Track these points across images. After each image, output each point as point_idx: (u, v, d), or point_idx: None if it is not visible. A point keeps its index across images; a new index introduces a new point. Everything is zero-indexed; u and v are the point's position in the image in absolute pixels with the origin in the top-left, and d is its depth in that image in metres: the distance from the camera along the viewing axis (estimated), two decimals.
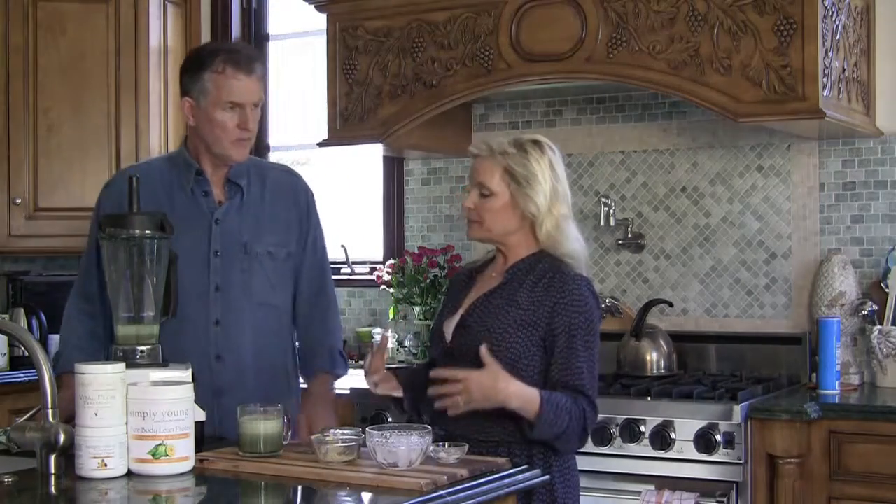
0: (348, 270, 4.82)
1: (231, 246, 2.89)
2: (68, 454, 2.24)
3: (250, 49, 2.98)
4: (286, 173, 3.11)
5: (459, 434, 2.51)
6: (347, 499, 2.13)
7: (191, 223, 2.82)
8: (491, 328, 2.59)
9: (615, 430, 3.38)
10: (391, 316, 4.50)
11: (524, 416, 2.50)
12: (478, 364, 2.54)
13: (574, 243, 2.66)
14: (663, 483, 3.32)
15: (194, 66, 2.87)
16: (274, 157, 5.19)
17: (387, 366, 2.78)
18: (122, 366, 2.26)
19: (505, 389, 2.47)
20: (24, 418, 2.34)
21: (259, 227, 2.93)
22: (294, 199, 3.02)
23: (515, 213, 2.63)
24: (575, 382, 2.55)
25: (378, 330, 4.48)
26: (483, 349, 2.50)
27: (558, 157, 2.68)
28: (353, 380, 4.02)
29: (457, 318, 2.69)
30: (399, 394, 2.75)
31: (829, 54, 3.43)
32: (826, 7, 3.40)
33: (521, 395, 2.48)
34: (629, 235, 4.18)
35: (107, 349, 2.60)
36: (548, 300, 2.58)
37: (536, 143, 2.66)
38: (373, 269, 4.67)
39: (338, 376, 3.09)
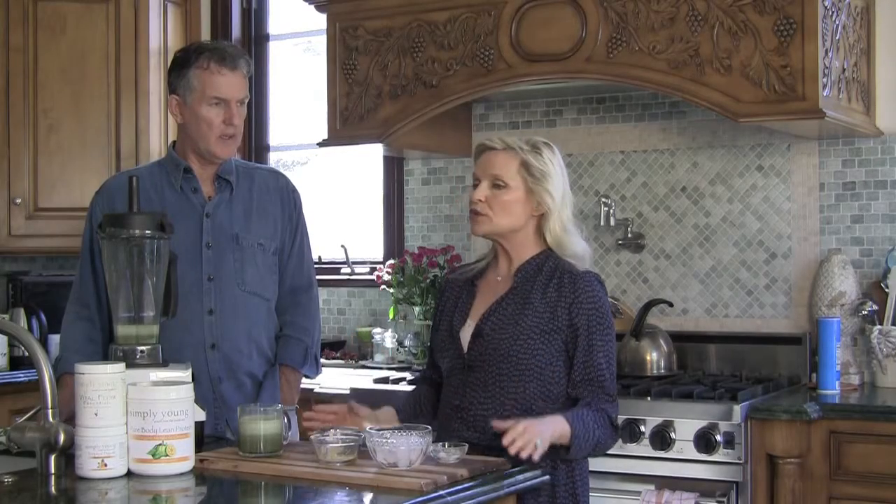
0: (348, 270, 4.82)
1: (222, 238, 2.95)
2: (68, 454, 2.24)
3: (235, 47, 3.03)
4: (273, 174, 3.17)
5: (480, 445, 2.50)
6: (347, 499, 2.12)
7: (182, 218, 2.85)
8: (511, 336, 2.58)
9: None
10: (391, 316, 4.50)
11: (560, 443, 2.49)
12: (495, 373, 2.58)
13: (578, 246, 2.66)
14: (663, 483, 3.32)
15: (180, 63, 2.94)
16: (274, 157, 5.19)
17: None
18: (121, 366, 2.26)
19: (548, 429, 2.44)
20: (24, 418, 2.34)
21: (248, 221, 2.99)
22: (281, 197, 3.07)
23: (526, 208, 2.63)
24: (597, 379, 2.57)
25: (378, 330, 4.48)
26: (495, 423, 2.43)
27: (563, 164, 2.71)
28: (353, 380, 4.04)
29: (471, 326, 2.66)
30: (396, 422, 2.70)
31: (829, 54, 3.43)
32: (826, 7, 3.40)
33: (555, 429, 2.46)
34: (629, 235, 4.18)
35: (106, 350, 2.60)
36: (563, 302, 2.59)
37: (547, 144, 2.68)
38: (373, 269, 4.67)
39: (305, 376, 3.13)
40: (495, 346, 2.59)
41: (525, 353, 2.57)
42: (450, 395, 2.67)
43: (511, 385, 2.58)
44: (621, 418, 3.36)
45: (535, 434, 2.36)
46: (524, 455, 2.33)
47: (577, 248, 2.66)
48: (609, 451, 3.34)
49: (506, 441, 2.33)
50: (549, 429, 2.42)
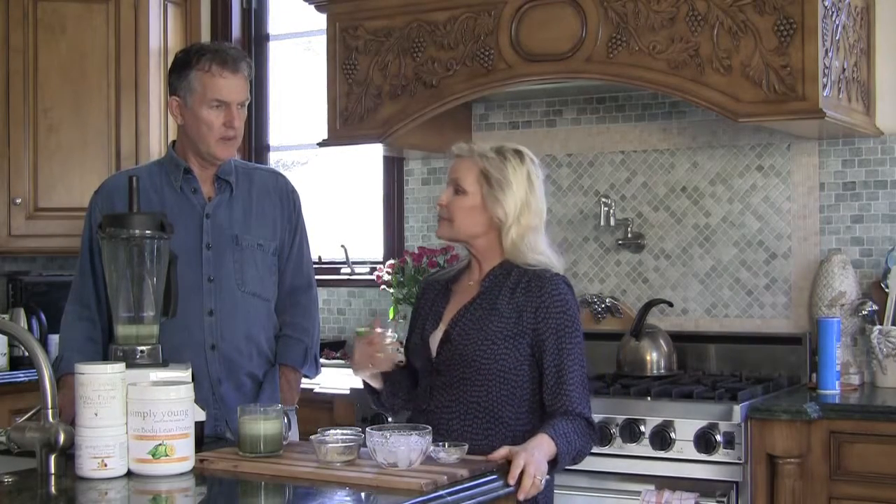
0: (348, 270, 4.82)
1: (222, 239, 2.95)
2: (68, 454, 2.24)
3: (237, 49, 3.03)
4: (272, 174, 3.17)
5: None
6: (347, 499, 2.13)
7: (182, 219, 2.86)
8: (476, 341, 2.58)
9: (615, 430, 3.38)
10: (391, 316, 4.50)
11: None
12: (459, 378, 2.59)
13: (538, 256, 2.64)
14: (663, 483, 3.32)
15: (181, 65, 2.94)
16: (274, 157, 5.19)
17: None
18: (121, 366, 2.26)
19: (543, 458, 2.41)
20: (24, 418, 2.34)
21: (248, 222, 2.99)
22: (279, 197, 3.08)
23: (483, 215, 2.63)
24: (569, 382, 2.56)
25: (378, 330, 4.47)
26: (489, 458, 2.40)
27: (537, 170, 2.67)
28: (353, 380, 4.03)
29: (441, 331, 2.67)
30: (378, 385, 2.75)
31: (829, 54, 3.43)
32: (826, 7, 3.40)
33: (547, 453, 2.44)
34: (629, 235, 4.18)
35: (106, 350, 2.60)
36: (529, 305, 2.58)
37: (518, 152, 2.66)
38: (373, 269, 4.67)
39: (305, 376, 3.13)
40: (461, 351, 2.60)
41: (488, 359, 2.57)
42: (419, 398, 2.70)
43: (474, 390, 2.59)
44: (621, 418, 3.38)
45: (536, 469, 2.34)
46: (532, 494, 2.32)
47: (537, 258, 2.63)
48: (609, 452, 3.38)
49: (511, 481, 2.30)
50: (543, 458, 2.40)
